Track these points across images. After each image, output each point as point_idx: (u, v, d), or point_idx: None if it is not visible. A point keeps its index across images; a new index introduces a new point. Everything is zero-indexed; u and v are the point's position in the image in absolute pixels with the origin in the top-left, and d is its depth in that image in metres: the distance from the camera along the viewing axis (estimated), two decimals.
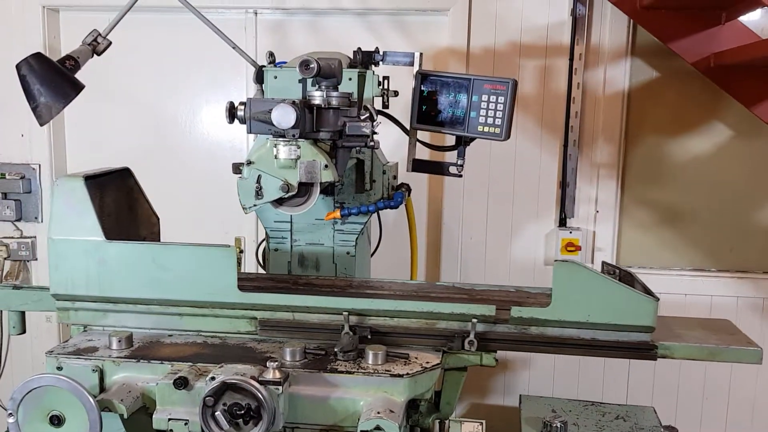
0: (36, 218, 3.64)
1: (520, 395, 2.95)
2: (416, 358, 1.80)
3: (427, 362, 1.78)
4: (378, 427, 1.57)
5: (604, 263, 2.17)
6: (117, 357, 1.78)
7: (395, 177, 2.45)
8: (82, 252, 1.90)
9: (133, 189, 2.20)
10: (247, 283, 2.16)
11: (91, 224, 1.88)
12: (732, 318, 3.35)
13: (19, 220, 3.63)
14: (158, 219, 2.25)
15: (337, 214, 2.24)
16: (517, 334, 1.86)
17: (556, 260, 1.83)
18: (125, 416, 1.67)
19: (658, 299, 1.81)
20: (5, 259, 3.58)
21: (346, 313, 1.85)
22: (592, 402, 2.95)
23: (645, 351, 1.84)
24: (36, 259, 3.66)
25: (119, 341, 1.82)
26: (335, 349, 1.78)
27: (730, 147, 3.32)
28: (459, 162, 2.26)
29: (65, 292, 1.94)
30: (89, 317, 1.98)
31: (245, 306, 1.91)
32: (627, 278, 2.02)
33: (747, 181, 3.34)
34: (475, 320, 1.82)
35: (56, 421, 1.61)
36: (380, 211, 2.67)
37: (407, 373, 1.70)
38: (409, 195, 2.50)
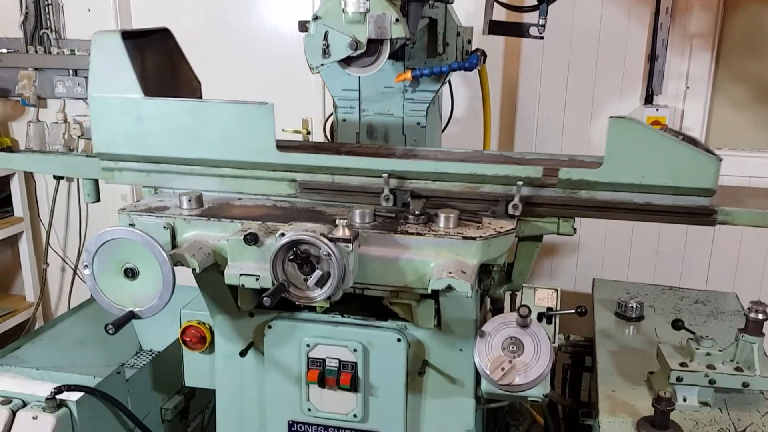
0: None
1: (594, 279, 2.87)
2: (489, 223, 1.72)
3: (501, 227, 1.70)
4: (450, 287, 1.53)
5: (665, 128, 1.97)
6: (188, 215, 1.78)
7: (470, 42, 2.29)
8: (120, 109, 1.86)
9: (174, 52, 2.11)
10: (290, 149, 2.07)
11: (129, 81, 1.83)
12: None
13: None
14: (200, 83, 2.17)
15: (408, 75, 2.13)
16: (565, 198, 1.73)
17: (610, 117, 1.66)
18: (197, 270, 1.67)
19: (721, 159, 1.64)
20: (80, 137, 3.65)
21: (385, 175, 1.76)
22: (669, 286, 2.84)
23: (703, 216, 1.68)
24: None
25: (189, 201, 1.81)
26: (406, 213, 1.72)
27: None
28: (541, 22, 2.10)
29: (107, 151, 1.93)
30: (133, 177, 1.96)
31: (285, 167, 1.85)
32: (691, 143, 1.86)
33: None
34: (520, 183, 1.70)
35: (130, 273, 1.62)
36: (453, 85, 2.54)
37: (480, 236, 1.63)
38: (484, 62, 2.35)
